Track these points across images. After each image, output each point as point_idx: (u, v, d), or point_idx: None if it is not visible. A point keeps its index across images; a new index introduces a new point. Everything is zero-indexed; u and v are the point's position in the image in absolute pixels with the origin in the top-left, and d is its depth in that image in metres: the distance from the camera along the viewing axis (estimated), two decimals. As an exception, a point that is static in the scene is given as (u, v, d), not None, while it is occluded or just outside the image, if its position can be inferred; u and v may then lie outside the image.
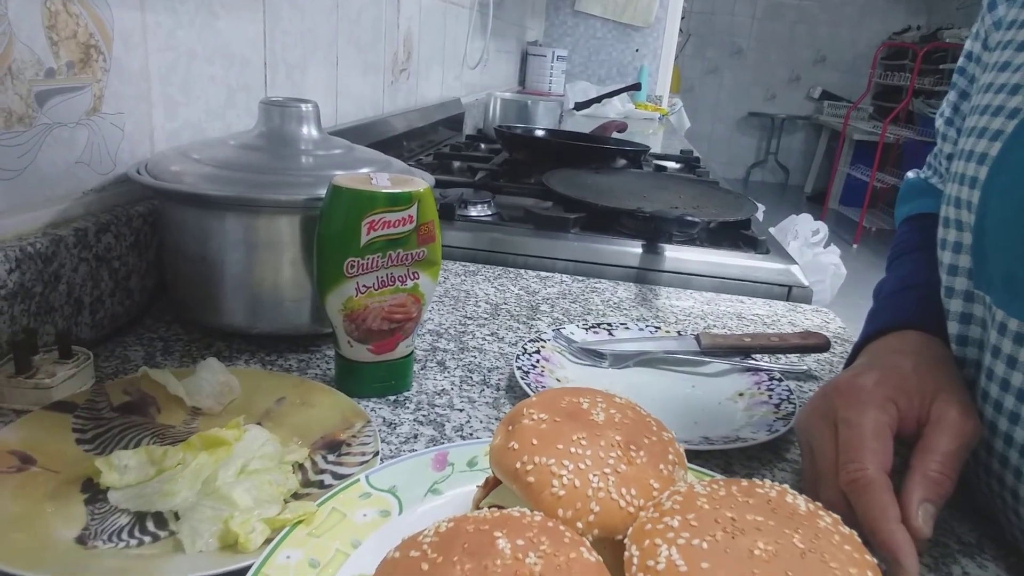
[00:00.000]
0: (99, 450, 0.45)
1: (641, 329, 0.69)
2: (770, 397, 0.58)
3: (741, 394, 0.60)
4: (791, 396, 0.57)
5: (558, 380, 0.60)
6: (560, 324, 0.73)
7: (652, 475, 0.34)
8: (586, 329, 0.68)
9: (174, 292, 0.64)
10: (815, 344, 0.66)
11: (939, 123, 0.63)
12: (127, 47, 0.65)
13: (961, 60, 0.59)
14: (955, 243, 0.48)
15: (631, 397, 0.57)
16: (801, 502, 0.30)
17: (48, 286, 0.55)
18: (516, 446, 0.35)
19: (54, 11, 0.56)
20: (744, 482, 0.32)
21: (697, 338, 0.66)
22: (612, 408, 0.37)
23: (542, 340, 0.65)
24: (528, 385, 0.56)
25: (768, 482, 0.32)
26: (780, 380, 0.60)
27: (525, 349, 0.62)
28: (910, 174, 0.71)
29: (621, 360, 0.64)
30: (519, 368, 0.58)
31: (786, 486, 0.31)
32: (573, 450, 0.34)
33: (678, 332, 0.69)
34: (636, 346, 0.65)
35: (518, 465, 0.34)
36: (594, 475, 0.33)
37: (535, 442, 0.34)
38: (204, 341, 0.63)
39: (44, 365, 0.52)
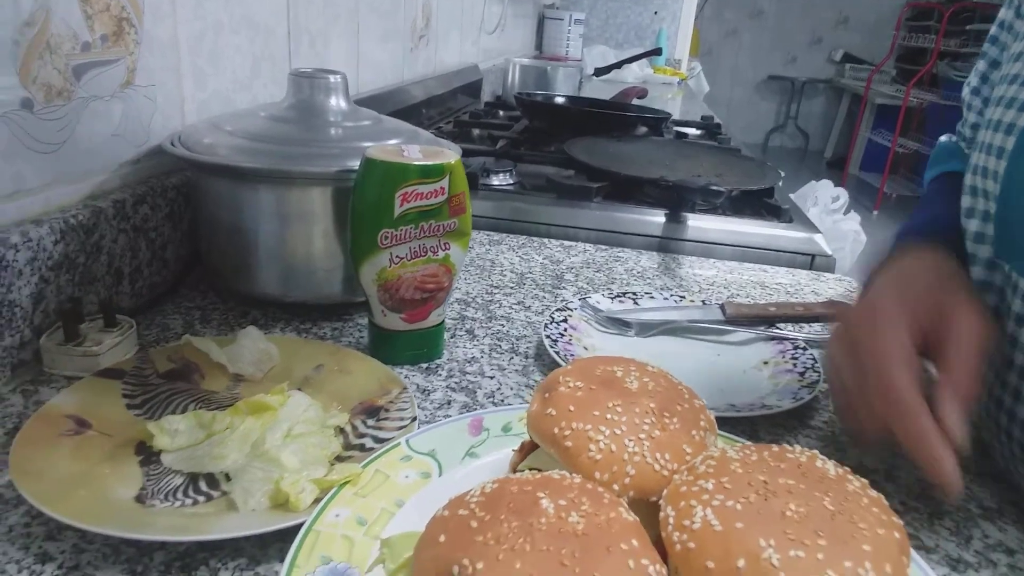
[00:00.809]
0: (148, 415, 0.47)
1: (666, 299, 0.70)
2: (795, 365, 0.59)
3: (766, 362, 0.61)
4: (815, 364, 0.58)
5: (585, 348, 0.61)
6: (586, 293, 0.74)
7: (685, 440, 0.35)
8: (612, 298, 0.69)
9: (209, 262, 0.66)
10: None
11: (965, 92, 0.62)
12: (157, 19, 0.65)
13: (994, 29, 0.58)
14: (979, 211, 0.48)
15: (657, 365, 0.58)
16: (830, 467, 0.32)
17: (90, 256, 0.57)
18: (554, 412, 0.36)
19: (88, -15, 0.57)
20: (775, 448, 0.33)
21: (722, 307, 0.67)
22: (645, 376, 0.38)
23: (569, 309, 0.66)
24: (557, 353, 0.57)
25: (798, 447, 0.33)
26: (804, 348, 0.61)
27: (553, 318, 0.63)
28: (943, 138, 0.70)
29: (647, 329, 0.65)
30: (548, 336, 0.60)
31: (815, 451, 0.33)
32: (609, 416, 0.35)
33: (703, 301, 0.70)
34: (661, 315, 0.66)
35: (556, 430, 0.35)
36: (629, 440, 0.34)
37: (572, 408, 0.36)
38: (240, 309, 0.65)
39: (91, 333, 0.53)
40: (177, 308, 0.64)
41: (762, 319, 0.66)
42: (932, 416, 0.39)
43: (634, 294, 0.70)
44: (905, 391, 0.40)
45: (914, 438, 0.39)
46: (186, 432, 0.44)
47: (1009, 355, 0.45)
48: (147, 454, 0.43)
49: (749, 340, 0.64)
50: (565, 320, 0.64)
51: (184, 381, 0.51)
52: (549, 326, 0.62)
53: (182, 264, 0.69)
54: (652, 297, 0.70)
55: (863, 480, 0.31)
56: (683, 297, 0.71)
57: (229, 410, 0.45)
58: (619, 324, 0.65)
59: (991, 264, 0.48)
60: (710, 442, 0.36)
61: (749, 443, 0.36)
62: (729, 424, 0.51)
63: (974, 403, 0.40)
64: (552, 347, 0.58)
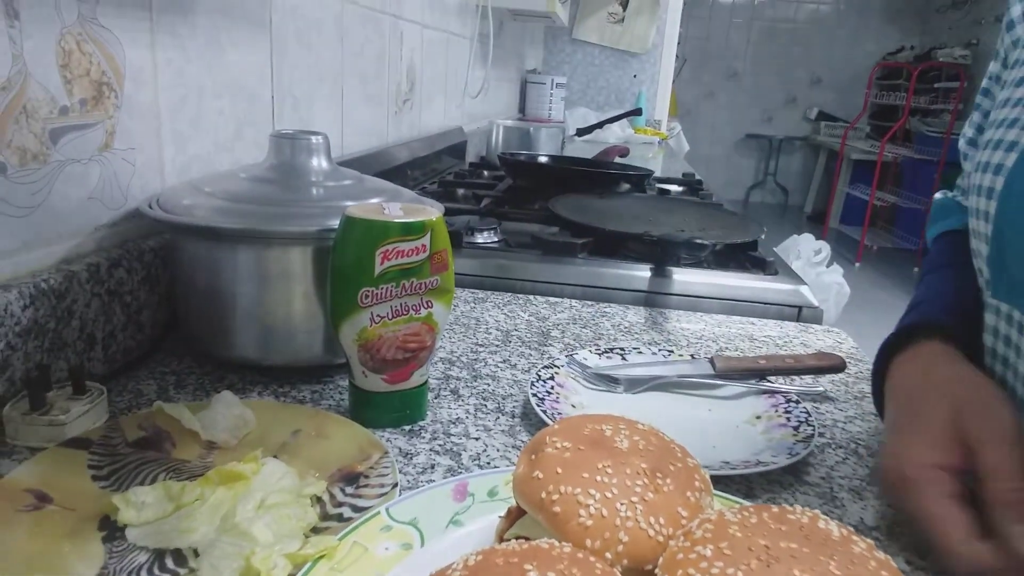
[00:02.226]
0: (115, 486, 0.45)
1: (654, 353, 0.69)
2: (788, 420, 0.57)
3: (758, 417, 0.59)
4: (809, 418, 0.57)
5: (573, 406, 0.59)
6: (573, 350, 0.72)
7: (680, 503, 0.33)
8: (599, 354, 0.68)
9: (186, 326, 0.64)
10: (830, 365, 0.66)
11: (961, 144, 0.63)
12: (137, 84, 0.65)
13: (985, 82, 0.60)
14: (975, 252, 0.49)
15: (648, 422, 0.57)
16: (834, 527, 0.30)
17: (61, 322, 0.55)
18: (541, 476, 0.34)
19: (68, 50, 0.56)
20: (775, 508, 0.31)
21: (711, 361, 0.65)
22: (636, 435, 0.37)
23: (556, 366, 0.64)
24: (544, 412, 0.55)
25: (799, 507, 0.31)
26: (797, 402, 0.60)
27: (539, 375, 0.62)
28: (938, 195, 0.71)
29: (635, 385, 0.63)
30: (534, 395, 0.58)
31: (817, 511, 0.31)
32: (599, 479, 0.33)
33: (691, 355, 0.68)
34: (650, 370, 0.65)
35: (543, 495, 0.33)
36: (621, 504, 0.32)
37: (560, 471, 0.34)
38: (216, 374, 0.63)
39: (58, 401, 0.51)
40: (152, 373, 0.62)
41: (752, 372, 0.65)
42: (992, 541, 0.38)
43: (622, 349, 0.69)
44: (970, 552, 0.38)
45: None
46: (154, 504, 0.42)
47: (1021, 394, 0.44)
48: (111, 529, 0.41)
49: (740, 394, 0.63)
50: (552, 378, 0.62)
51: (154, 450, 0.49)
52: (536, 384, 0.60)
53: (159, 328, 0.67)
54: (640, 352, 0.69)
55: (868, 541, 0.30)
56: (671, 351, 0.69)
57: (199, 480, 0.43)
58: (607, 380, 0.64)
59: (997, 309, 0.47)
60: (706, 504, 0.34)
61: (747, 504, 0.34)
62: (723, 482, 0.49)
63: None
64: (539, 406, 0.56)
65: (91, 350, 0.59)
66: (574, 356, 0.66)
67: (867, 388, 0.69)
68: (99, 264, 0.59)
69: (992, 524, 0.38)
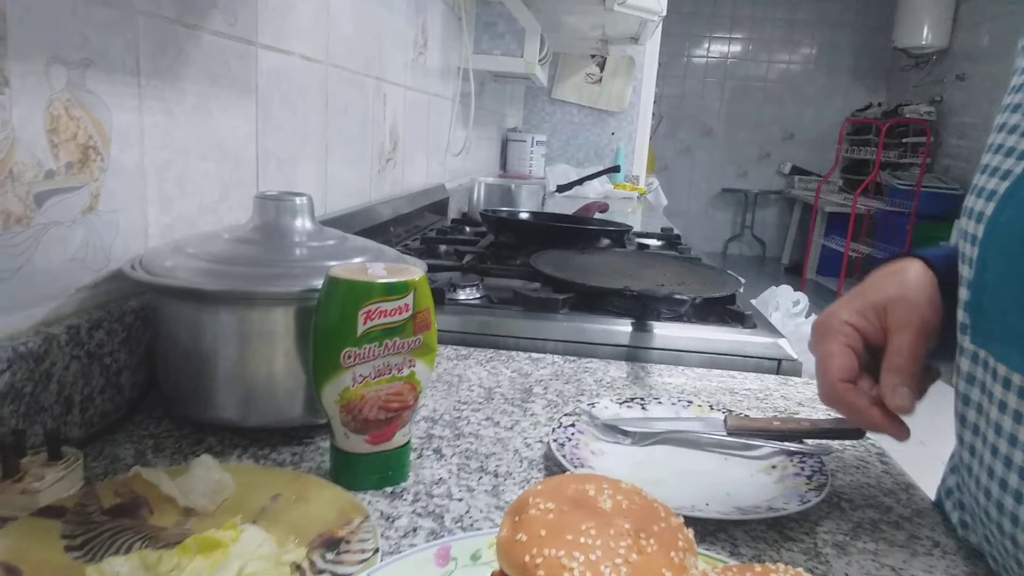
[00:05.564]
0: (89, 557, 0.43)
1: (674, 403, 0.70)
2: (802, 469, 0.59)
3: (774, 467, 0.61)
4: (823, 468, 0.58)
5: (592, 452, 0.61)
6: (556, 406, 0.73)
7: (664, 563, 0.33)
8: (620, 404, 0.69)
9: (165, 387, 0.64)
10: (848, 430, 0.64)
11: None
12: (124, 147, 0.66)
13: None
14: (961, 299, 0.49)
15: (665, 470, 0.58)
16: (817, 587, 0.30)
17: (39, 385, 0.54)
18: (524, 538, 0.34)
19: (56, 115, 0.57)
20: (758, 567, 0.31)
21: (724, 420, 0.66)
22: (619, 494, 0.37)
23: (576, 414, 0.66)
24: (564, 457, 0.57)
25: (781, 566, 0.31)
26: (812, 454, 0.61)
27: (560, 423, 0.64)
28: None
29: (645, 439, 0.64)
30: (555, 440, 0.59)
31: (800, 569, 0.31)
32: (583, 540, 0.33)
33: (710, 406, 0.70)
34: (663, 426, 0.66)
35: (527, 559, 0.33)
36: (605, 566, 0.32)
37: (543, 533, 0.34)
38: (195, 436, 0.62)
39: (32, 468, 0.50)
40: (129, 437, 0.61)
41: (766, 433, 0.64)
42: (871, 394, 0.50)
43: (642, 399, 0.70)
44: (839, 388, 0.51)
45: (853, 413, 0.51)
46: (129, 575, 0.41)
47: (995, 444, 0.45)
48: (84, 603, 0.40)
49: (755, 446, 0.64)
50: (573, 424, 0.64)
51: (130, 517, 0.48)
52: (557, 431, 0.62)
53: (137, 391, 0.67)
54: (660, 403, 0.70)
55: (852, 600, 0.30)
56: (691, 402, 0.71)
57: (177, 548, 0.42)
58: (617, 432, 0.65)
59: (976, 356, 0.48)
60: (690, 564, 0.34)
61: (731, 563, 0.34)
62: (718, 535, 0.49)
63: (912, 380, 0.50)
64: (559, 451, 0.58)
65: (68, 414, 0.58)
66: (594, 404, 0.68)
67: (851, 442, 0.69)
68: (79, 326, 0.58)
69: (880, 385, 0.50)
